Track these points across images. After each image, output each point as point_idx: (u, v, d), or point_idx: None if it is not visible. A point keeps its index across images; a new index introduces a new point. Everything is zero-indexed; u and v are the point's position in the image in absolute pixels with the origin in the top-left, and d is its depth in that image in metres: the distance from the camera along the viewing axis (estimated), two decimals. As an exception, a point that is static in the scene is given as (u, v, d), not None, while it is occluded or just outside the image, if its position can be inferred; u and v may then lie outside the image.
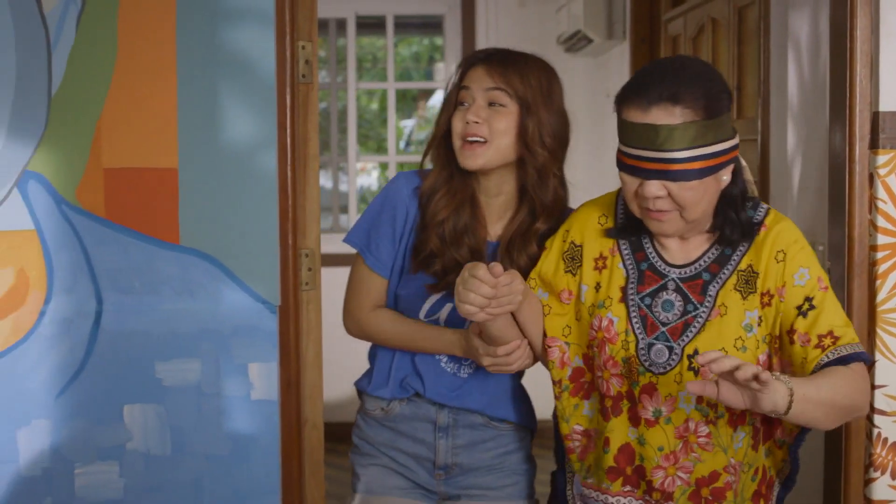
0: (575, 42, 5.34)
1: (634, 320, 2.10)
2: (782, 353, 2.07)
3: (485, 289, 1.96)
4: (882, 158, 2.42)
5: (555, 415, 2.26)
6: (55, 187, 2.29)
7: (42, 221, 2.30)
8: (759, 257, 2.07)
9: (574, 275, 2.19)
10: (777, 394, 1.85)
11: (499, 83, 2.24)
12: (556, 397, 2.22)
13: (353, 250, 2.38)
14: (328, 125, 6.32)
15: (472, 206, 2.30)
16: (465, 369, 2.32)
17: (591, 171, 4.88)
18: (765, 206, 2.14)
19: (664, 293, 2.10)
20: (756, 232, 2.10)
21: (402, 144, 7.73)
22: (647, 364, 2.08)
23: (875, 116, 2.42)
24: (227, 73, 2.32)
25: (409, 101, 8.13)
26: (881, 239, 2.42)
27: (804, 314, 2.03)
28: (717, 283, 2.09)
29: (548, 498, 2.36)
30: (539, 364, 2.29)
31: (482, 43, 5.82)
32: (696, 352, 2.05)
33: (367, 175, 7.82)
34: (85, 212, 2.31)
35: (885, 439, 2.43)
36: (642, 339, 2.09)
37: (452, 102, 2.29)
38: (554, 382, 2.21)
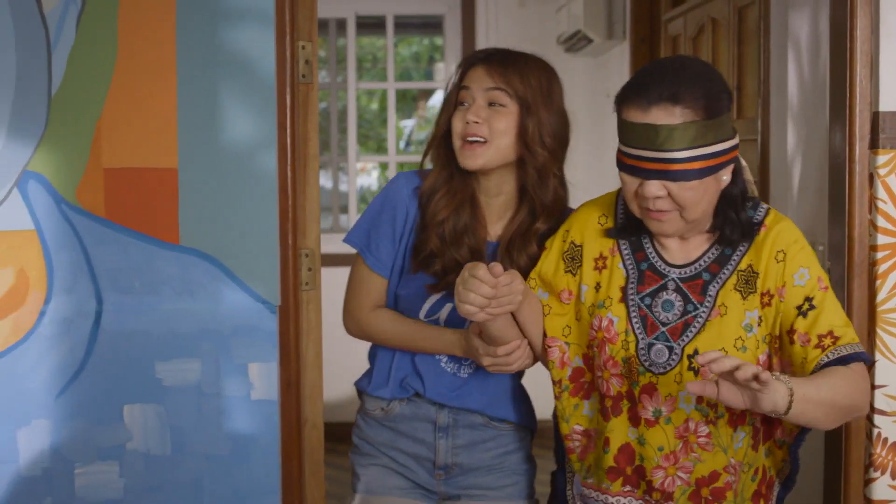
0: (575, 42, 5.34)
1: (634, 320, 2.10)
2: (782, 353, 2.07)
3: (485, 289, 1.96)
4: (882, 158, 2.42)
5: (555, 415, 2.26)
6: (55, 187, 2.29)
7: (42, 221, 2.30)
8: (759, 257, 2.07)
9: (574, 275, 2.19)
10: (777, 394, 1.85)
11: (499, 83, 2.24)
12: (556, 397, 2.22)
13: (353, 250, 2.38)
14: (328, 125, 6.32)
15: (472, 206, 2.30)
16: (465, 369, 2.32)
17: (591, 171, 4.88)
18: (765, 206, 2.14)
19: (664, 293, 2.10)
20: (756, 232, 2.10)
21: (401, 144, 7.73)
22: (647, 364, 2.08)
23: (875, 116, 2.42)
24: (227, 73, 2.32)
25: (409, 101, 8.13)
26: (881, 239, 2.42)
27: (804, 314, 2.03)
28: (717, 283, 2.09)
29: (548, 498, 2.36)
30: (539, 364, 2.29)
31: (482, 43, 5.81)
32: (696, 352, 2.05)
33: (366, 175, 7.82)
34: (85, 212, 2.31)
35: (885, 439, 2.43)
36: (642, 339, 2.09)
37: (452, 102, 2.29)
38: (554, 382, 2.21)
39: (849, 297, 2.42)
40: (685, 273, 2.11)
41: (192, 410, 2.34)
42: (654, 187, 2.00)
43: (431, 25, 6.70)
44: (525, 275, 2.24)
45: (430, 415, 2.33)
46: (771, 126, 3.60)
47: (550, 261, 2.22)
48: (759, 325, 2.06)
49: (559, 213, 2.30)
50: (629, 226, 2.15)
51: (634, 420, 2.10)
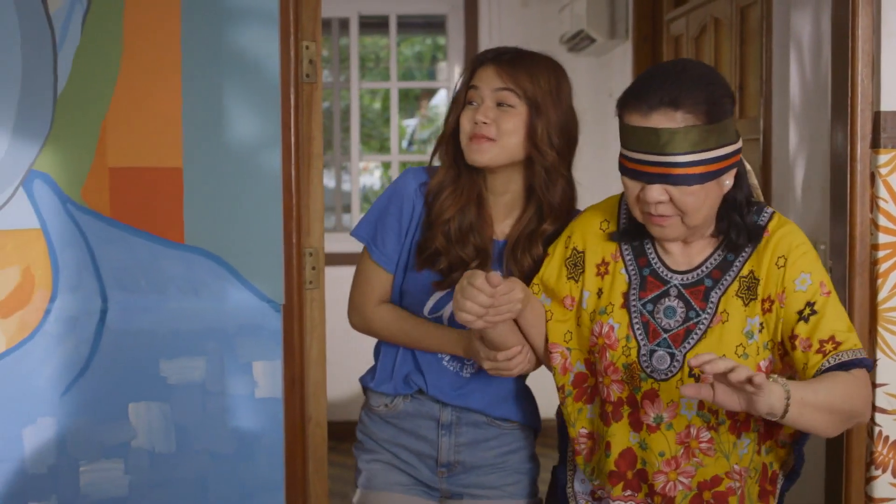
0: (578, 42, 5.34)
1: (636, 327, 2.09)
2: (786, 359, 2.06)
3: (482, 298, 1.95)
4: (883, 158, 2.42)
5: (559, 413, 2.26)
6: (60, 186, 2.30)
7: (48, 220, 2.31)
8: (760, 263, 2.05)
9: (577, 281, 2.17)
10: (773, 396, 1.83)
11: (508, 84, 2.22)
12: (561, 402, 2.21)
13: (356, 249, 2.38)
14: (331, 125, 6.32)
15: (479, 204, 2.29)
16: (468, 369, 2.32)
17: (593, 170, 4.85)
18: (769, 210, 2.11)
19: (666, 299, 2.09)
20: (760, 237, 2.08)
21: (404, 144, 7.74)
22: (648, 370, 2.07)
23: (876, 116, 2.42)
24: (232, 73, 2.33)
25: (412, 101, 8.13)
26: (882, 238, 2.43)
27: (805, 319, 2.00)
28: (719, 289, 2.07)
29: (545, 494, 2.36)
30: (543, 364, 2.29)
31: (485, 43, 5.81)
32: (696, 359, 2.03)
33: (369, 174, 7.81)
34: (90, 211, 2.32)
35: (887, 437, 2.43)
36: (644, 345, 2.07)
37: (461, 101, 2.27)
38: (558, 388, 2.20)
39: (850, 296, 2.43)
40: (687, 279, 2.09)
41: (197, 408, 2.35)
42: (656, 192, 1.98)
43: (434, 25, 6.70)
44: (529, 277, 2.25)
45: (434, 412, 2.34)
46: (773, 125, 3.60)
47: (553, 267, 2.21)
48: (760, 331, 2.04)
49: (566, 214, 2.28)
50: (632, 229, 2.14)
51: (636, 425, 2.09)
